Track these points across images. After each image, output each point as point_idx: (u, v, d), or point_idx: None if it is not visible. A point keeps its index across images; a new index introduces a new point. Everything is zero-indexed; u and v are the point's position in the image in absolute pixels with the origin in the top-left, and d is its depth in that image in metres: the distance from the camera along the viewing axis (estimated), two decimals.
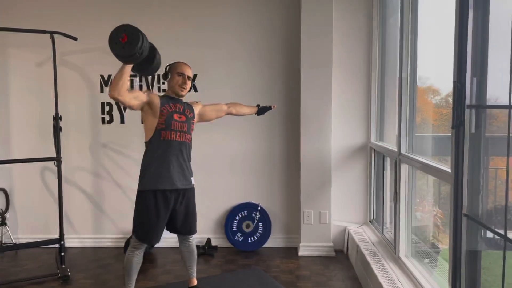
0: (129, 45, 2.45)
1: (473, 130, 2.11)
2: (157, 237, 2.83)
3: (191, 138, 2.91)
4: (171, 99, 2.87)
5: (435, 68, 3.16)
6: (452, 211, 2.19)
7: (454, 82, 2.12)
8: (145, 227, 2.79)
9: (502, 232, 1.87)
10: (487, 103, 2.09)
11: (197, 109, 3.01)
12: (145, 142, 2.86)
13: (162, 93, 3.02)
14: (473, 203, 2.13)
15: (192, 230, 2.95)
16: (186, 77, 2.85)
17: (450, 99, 3.46)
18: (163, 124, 2.78)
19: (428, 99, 3.57)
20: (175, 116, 2.81)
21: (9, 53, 4.32)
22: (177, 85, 2.84)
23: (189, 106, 2.96)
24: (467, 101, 2.10)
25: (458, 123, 2.12)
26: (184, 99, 2.94)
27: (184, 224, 2.89)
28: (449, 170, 2.26)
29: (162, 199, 2.76)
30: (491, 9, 2.05)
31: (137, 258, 2.86)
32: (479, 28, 2.08)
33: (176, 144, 2.80)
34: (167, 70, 2.89)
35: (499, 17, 2.00)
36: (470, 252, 2.20)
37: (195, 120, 2.97)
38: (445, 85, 3.29)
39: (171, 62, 2.90)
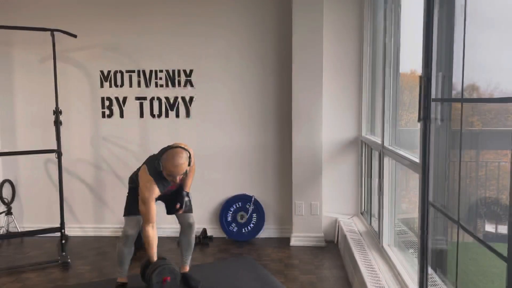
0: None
1: (438, 123, 2.21)
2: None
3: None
4: (165, 180, 2.77)
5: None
6: (420, 200, 2.29)
7: (420, 77, 2.22)
8: (130, 200, 2.87)
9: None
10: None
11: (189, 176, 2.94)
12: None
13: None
14: (438, 193, 2.24)
15: (189, 209, 2.97)
16: (178, 176, 2.70)
17: (466, 94, 3.52)
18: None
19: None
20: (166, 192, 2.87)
21: (13, 50, 4.51)
22: (167, 177, 2.73)
23: (182, 179, 2.83)
24: (433, 95, 2.19)
25: (424, 116, 2.21)
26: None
27: (181, 204, 2.91)
28: (417, 161, 2.36)
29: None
30: (456, 6, 2.14)
31: (128, 249, 2.91)
32: (444, 25, 2.17)
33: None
34: (160, 160, 2.71)
35: (462, 15, 2.09)
36: (437, 240, 2.30)
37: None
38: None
39: (165, 153, 2.71)
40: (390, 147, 3.16)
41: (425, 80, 2.20)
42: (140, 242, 2.95)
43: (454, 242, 2.12)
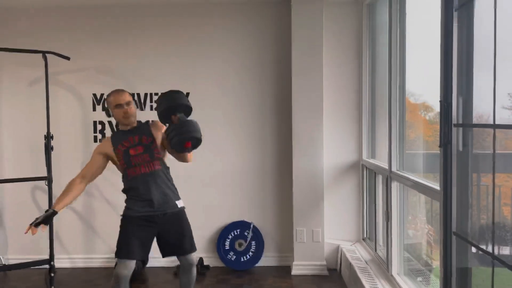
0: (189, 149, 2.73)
1: (460, 148, 2.13)
2: (135, 252, 2.74)
3: (160, 162, 2.83)
4: (123, 134, 2.84)
5: (428, 84, 3.20)
6: (442, 229, 2.19)
7: (440, 101, 2.15)
8: (126, 240, 2.75)
9: (490, 250, 1.88)
10: (474, 122, 2.12)
11: (159, 134, 2.87)
12: (122, 181, 2.89)
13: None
14: (462, 221, 2.14)
15: (187, 249, 2.85)
16: (125, 105, 2.79)
17: None
18: (124, 164, 2.80)
19: (422, 115, 3.61)
20: (131, 151, 2.78)
21: (1, 72, 4.33)
22: (121, 118, 2.82)
23: (145, 131, 2.85)
24: (454, 120, 2.12)
25: (445, 141, 2.14)
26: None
27: (178, 245, 2.84)
28: (438, 188, 2.27)
29: (146, 221, 2.77)
30: (475, 28, 2.09)
31: None
32: (463, 49, 2.12)
33: (145, 177, 2.77)
34: (105, 105, 2.92)
35: (482, 37, 2.05)
36: (461, 270, 2.20)
37: (158, 142, 2.85)
38: (438, 101, 3.33)
39: (106, 96, 2.89)
40: (399, 172, 3.08)
41: (445, 105, 2.13)
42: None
43: (485, 275, 2.03)
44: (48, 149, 3.68)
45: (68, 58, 3.86)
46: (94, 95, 4.32)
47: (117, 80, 4.23)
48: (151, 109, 4.28)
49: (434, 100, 3.34)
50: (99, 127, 4.33)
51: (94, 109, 4.32)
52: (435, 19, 2.34)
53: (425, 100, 3.45)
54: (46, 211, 2.68)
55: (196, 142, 2.70)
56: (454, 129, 2.12)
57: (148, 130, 2.87)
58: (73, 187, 2.75)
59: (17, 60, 4.21)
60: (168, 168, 2.91)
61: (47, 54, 3.70)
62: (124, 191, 2.87)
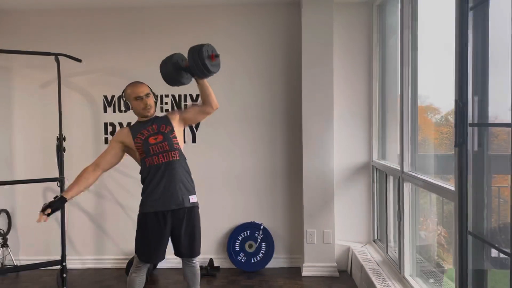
0: (216, 66, 2.84)
1: (475, 149, 2.12)
2: (157, 256, 2.84)
3: (179, 153, 2.83)
4: (142, 124, 2.85)
5: (435, 86, 3.19)
6: (457, 230, 2.18)
7: (455, 100, 2.14)
8: (146, 246, 2.80)
9: (508, 250, 1.86)
10: (489, 121, 2.11)
11: (175, 118, 2.93)
12: (140, 172, 2.88)
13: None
14: (477, 221, 2.13)
15: (195, 252, 2.90)
16: (144, 97, 2.82)
17: (450, 118, 3.49)
18: (142, 153, 2.78)
19: (428, 117, 3.60)
20: (151, 140, 2.78)
21: (13, 75, 4.36)
22: (140, 110, 2.84)
23: (163, 120, 2.88)
24: (469, 120, 2.11)
25: (460, 141, 2.12)
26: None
27: (187, 247, 2.86)
28: (452, 188, 2.26)
29: (162, 219, 2.78)
30: (490, 28, 2.08)
31: (140, 279, 2.86)
32: (479, 47, 2.11)
33: (164, 166, 2.76)
34: (123, 99, 2.90)
35: (497, 36, 2.03)
36: (476, 271, 2.18)
37: (176, 130, 2.88)
38: (445, 103, 3.32)
39: (125, 88, 2.92)
40: (412, 173, 3.06)
41: (461, 104, 2.12)
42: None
43: (498, 277, 2.01)
44: (60, 150, 3.70)
45: (80, 61, 3.88)
46: (105, 97, 4.34)
47: (128, 81, 4.20)
48: (161, 110, 4.29)
49: (440, 102, 3.35)
50: (110, 128, 4.35)
51: (105, 111, 4.35)
52: (445, 19, 2.34)
53: (431, 102, 3.44)
54: (55, 197, 2.66)
55: (213, 49, 2.80)
56: (469, 129, 2.11)
57: (166, 119, 2.90)
58: (86, 176, 2.72)
59: (28, 63, 4.25)
60: (185, 159, 2.89)
61: (59, 56, 3.72)
62: (142, 181, 2.85)
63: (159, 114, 4.23)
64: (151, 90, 2.92)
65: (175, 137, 2.84)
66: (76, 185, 2.68)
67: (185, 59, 2.83)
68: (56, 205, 2.61)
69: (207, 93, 2.87)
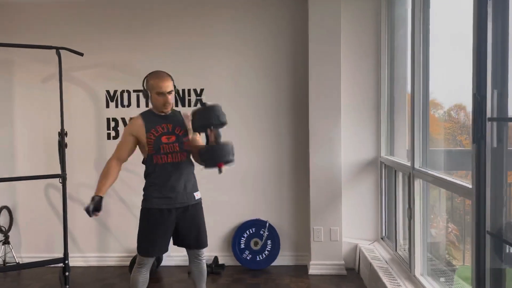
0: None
1: (494, 144, 2.03)
2: (160, 249, 2.81)
3: (187, 155, 2.80)
4: (157, 119, 2.77)
5: (437, 82, 3.10)
6: (474, 228, 2.09)
7: (473, 94, 2.05)
8: (149, 237, 2.76)
9: None
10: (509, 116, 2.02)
11: (188, 125, 2.84)
12: (142, 162, 2.82)
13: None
14: (496, 220, 2.04)
15: (203, 243, 2.88)
16: (167, 94, 2.71)
17: (453, 113, 3.40)
18: (152, 150, 2.73)
19: (431, 113, 3.50)
20: (163, 139, 2.73)
21: (14, 69, 4.29)
22: (159, 106, 2.75)
23: (179, 122, 2.81)
24: (488, 114, 2.02)
25: (479, 136, 2.04)
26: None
27: (194, 238, 2.84)
28: (469, 186, 2.17)
29: (167, 213, 2.75)
30: (511, 18, 1.99)
31: (143, 277, 2.82)
32: (498, 39, 2.02)
33: (171, 166, 2.74)
34: (144, 86, 2.78)
35: None
36: (494, 270, 2.10)
37: (187, 136, 2.82)
38: (448, 99, 3.24)
39: (148, 75, 2.78)
40: (423, 169, 2.98)
41: (479, 98, 2.03)
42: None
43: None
44: (62, 146, 3.63)
45: (81, 54, 3.80)
46: (108, 91, 4.26)
47: (131, 76, 4.17)
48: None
49: (443, 97, 3.26)
50: (112, 124, 4.28)
51: (107, 106, 4.27)
52: (457, 10, 2.24)
53: (434, 97, 3.34)
54: (93, 198, 2.67)
55: (228, 163, 2.73)
56: (488, 124, 2.02)
57: (182, 121, 2.83)
58: (112, 170, 2.75)
59: (29, 56, 4.17)
60: (191, 163, 2.88)
61: (60, 50, 3.64)
62: (145, 175, 2.81)
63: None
64: (174, 84, 2.78)
65: (188, 140, 2.81)
66: (107, 180, 2.72)
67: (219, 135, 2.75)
68: (99, 205, 2.66)
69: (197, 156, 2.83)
